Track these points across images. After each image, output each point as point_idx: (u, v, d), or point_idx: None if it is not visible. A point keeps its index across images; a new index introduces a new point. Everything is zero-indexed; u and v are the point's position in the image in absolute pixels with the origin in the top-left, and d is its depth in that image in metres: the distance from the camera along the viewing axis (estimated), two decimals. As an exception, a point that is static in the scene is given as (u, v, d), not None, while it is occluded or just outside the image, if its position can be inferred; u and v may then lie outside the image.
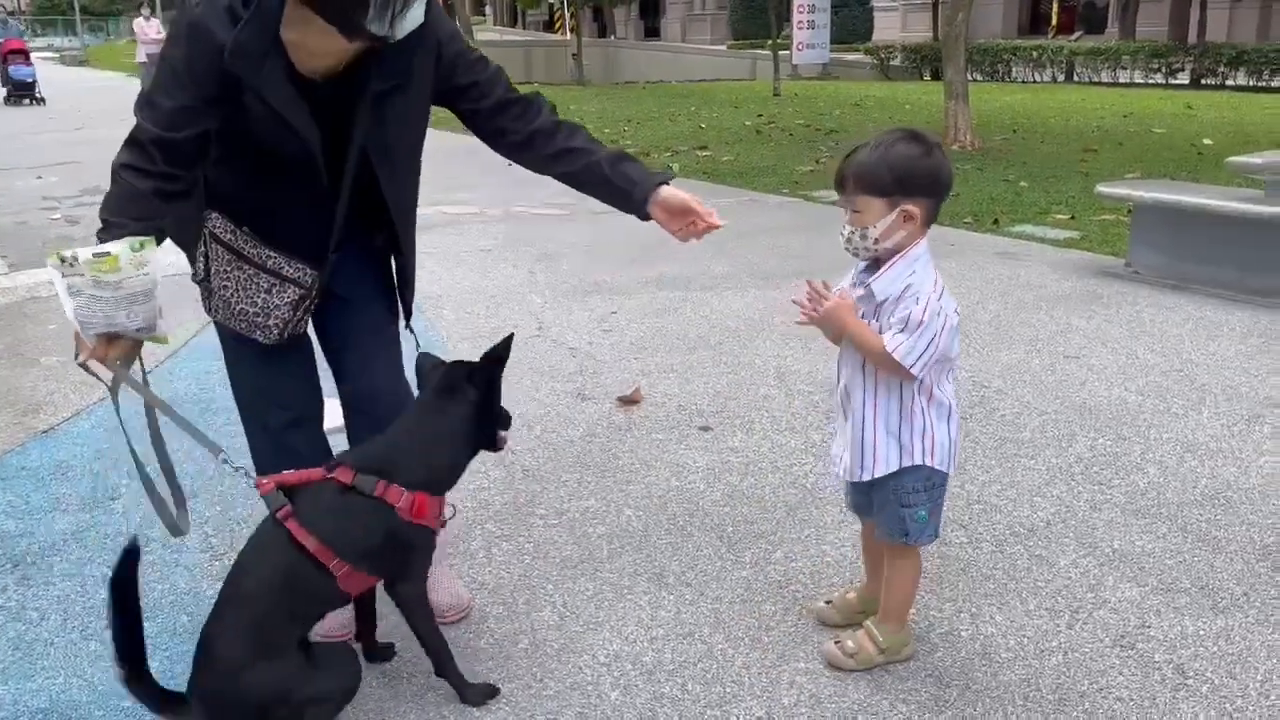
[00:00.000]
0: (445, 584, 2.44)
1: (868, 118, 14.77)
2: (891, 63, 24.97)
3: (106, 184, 1.99)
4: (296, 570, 1.97)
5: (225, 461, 2.08)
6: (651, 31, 42.19)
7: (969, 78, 11.55)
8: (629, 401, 3.84)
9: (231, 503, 3.07)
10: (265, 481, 2.03)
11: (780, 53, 20.68)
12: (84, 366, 2.02)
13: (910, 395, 2.08)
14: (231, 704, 1.89)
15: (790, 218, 7.65)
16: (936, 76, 22.85)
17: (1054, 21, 30.31)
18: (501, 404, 2.20)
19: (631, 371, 4.19)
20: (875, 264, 2.08)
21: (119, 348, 2.00)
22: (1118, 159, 9.76)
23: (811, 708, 2.11)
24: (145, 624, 2.43)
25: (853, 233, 2.05)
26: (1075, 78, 21.51)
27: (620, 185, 2.23)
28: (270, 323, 2.22)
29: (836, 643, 2.26)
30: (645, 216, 2.26)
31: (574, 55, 27.57)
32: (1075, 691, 2.14)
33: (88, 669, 2.31)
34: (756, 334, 4.67)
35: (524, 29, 45.36)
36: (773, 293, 5.38)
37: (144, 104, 1.98)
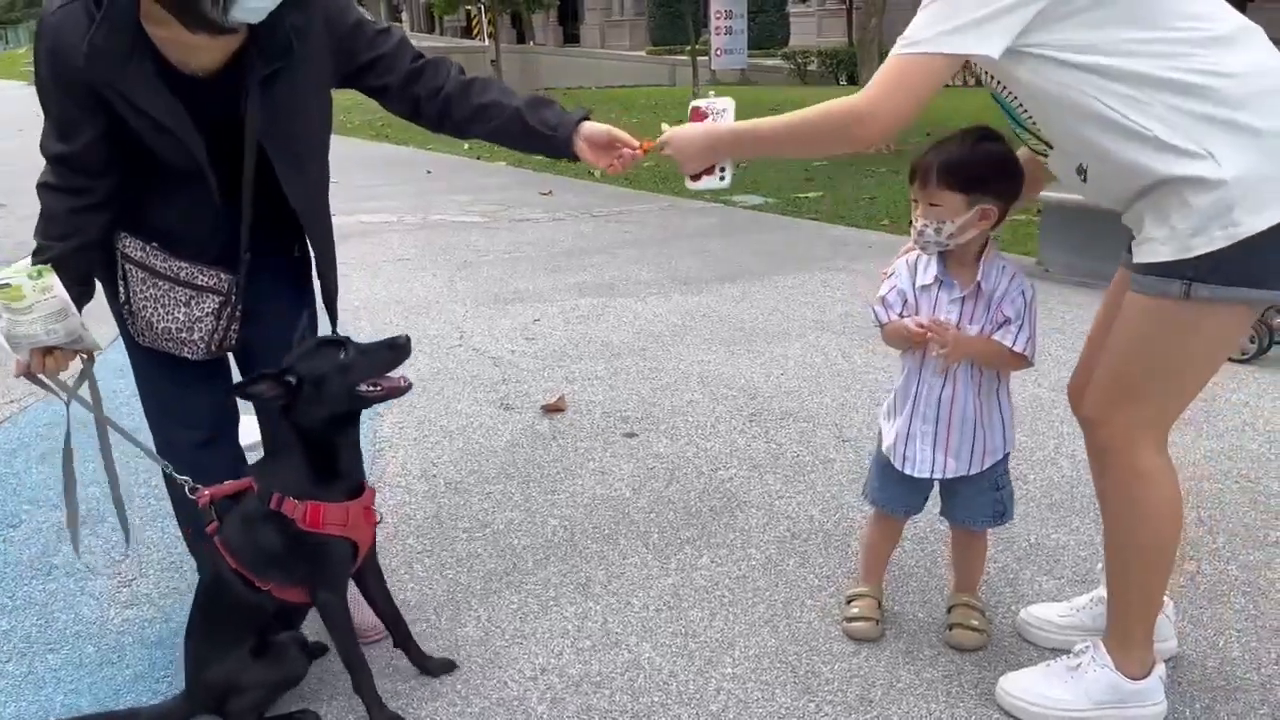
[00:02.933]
0: (357, 606, 2.38)
1: (786, 122, 14.94)
2: (808, 67, 25.33)
3: (-3, 198, 1.95)
4: (229, 587, 2.04)
5: (169, 473, 2.13)
6: (570, 37, 42.10)
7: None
8: (553, 410, 3.81)
9: (140, 527, 2.96)
10: (203, 494, 2.06)
11: (699, 58, 20.82)
12: (31, 379, 2.02)
13: (1004, 387, 2.21)
14: (201, 690, 2.07)
15: (712, 223, 7.69)
16: (852, 81, 23.21)
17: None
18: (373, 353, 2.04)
19: (555, 379, 4.16)
20: (944, 258, 2.13)
21: (55, 360, 2.00)
22: (1027, 160, 10.01)
23: (739, 713, 2.11)
24: (49, 656, 2.36)
25: (926, 225, 2.07)
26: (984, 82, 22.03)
27: (542, 131, 2.18)
28: (195, 337, 2.16)
29: (962, 627, 2.29)
30: (573, 157, 2.20)
31: (493, 62, 27.40)
32: (997, 685, 2.17)
33: (-13, 706, 2.20)
34: (679, 340, 4.68)
35: (441, 35, 44.88)
36: (695, 298, 5.40)
37: (46, 119, 1.95)
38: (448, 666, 2.27)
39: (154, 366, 2.25)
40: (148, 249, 2.09)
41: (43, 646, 2.41)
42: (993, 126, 2.13)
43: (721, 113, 2.08)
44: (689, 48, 21.42)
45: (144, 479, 3.15)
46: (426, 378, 4.14)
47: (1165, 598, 2.14)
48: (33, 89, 2.01)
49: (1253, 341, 4.05)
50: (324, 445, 2.02)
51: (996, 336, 2.12)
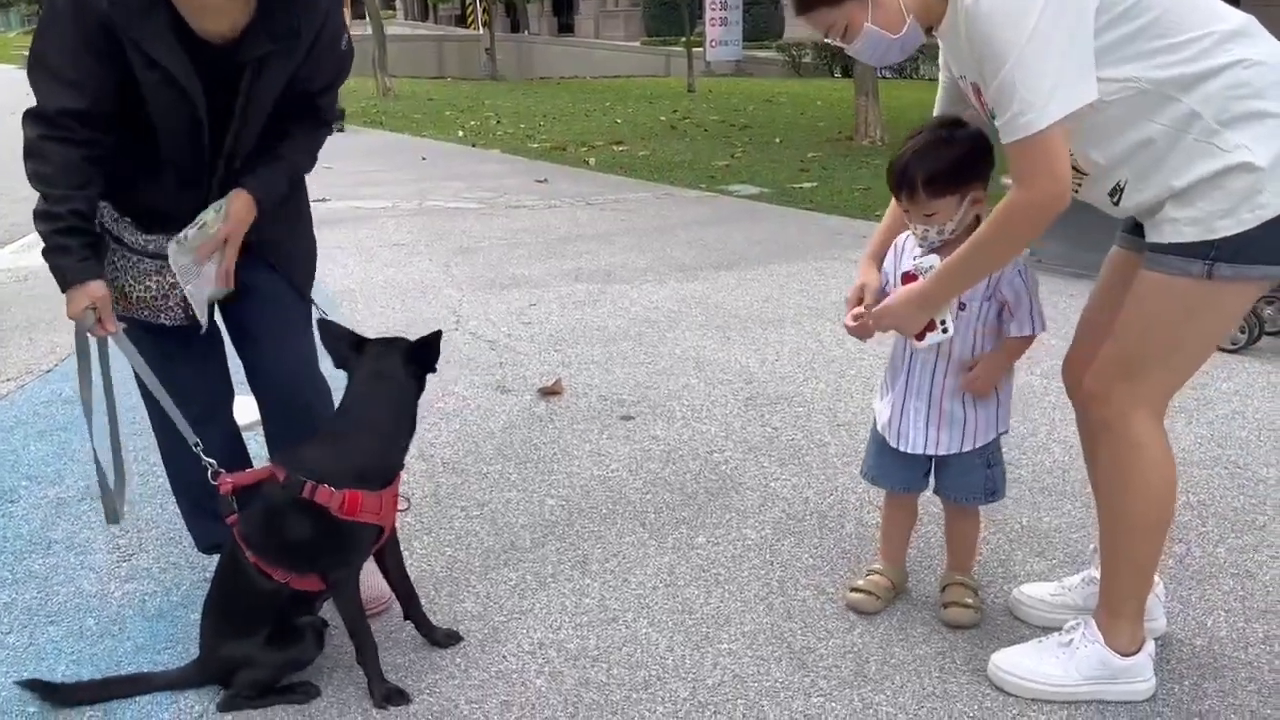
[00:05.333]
0: (365, 578, 2.41)
1: (780, 114, 14.98)
2: (803, 60, 25.32)
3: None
4: (246, 577, 2.07)
5: (197, 447, 2.15)
6: (565, 28, 41.98)
7: (879, 74, 11.79)
8: (550, 393, 3.83)
9: (139, 503, 2.97)
10: (225, 480, 2.10)
11: (694, 49, 20.82)
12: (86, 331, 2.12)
13: (1010, 369, 2.24)
14: (214, 664, 2.12)
15: (707, 212, 7.71)
16: (847, 74, 23.19)
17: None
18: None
19: (552, 363, 4.18)
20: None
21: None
22: (1021, 154, 10.03)
23: (735, 686, 2.14)
24: (50, 628, 2.37)
25: (927, 230, 2.11)
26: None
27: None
28: (171, 304, 2.19)
29: (957, 605, 2.33)
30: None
31: (487, 50, 27.36)
32: (987, 662, 2.20)
33: (-11, 676, 2.22)
34: (675, 325, 4.70)
35: (435, 23, 44.66)
36: (691, 285, 5.42)
37: (39, 75, 1.95)
38: (453, 638, 2.30)
39: (142, 341, 2.26)
40: (121, 221, 2.13)
41: (43, 619, 2.42)
42: (952, 115, 2.14)
43: (929, 270, 2.08)
44: (684, 39, 21.39)
45: (140, 455, 3.16)
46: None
47: (1155, 578, 2.18)
48: (23, 73, 2.02)
49: (1243, 332, 4.09)
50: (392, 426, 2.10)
51: (1011, 331, 2.16)
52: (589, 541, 2.74)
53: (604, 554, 2.68)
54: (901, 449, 2.27)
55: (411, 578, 2.52)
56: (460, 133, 13.18)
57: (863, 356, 4.16)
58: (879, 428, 2.33)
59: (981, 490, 2.30)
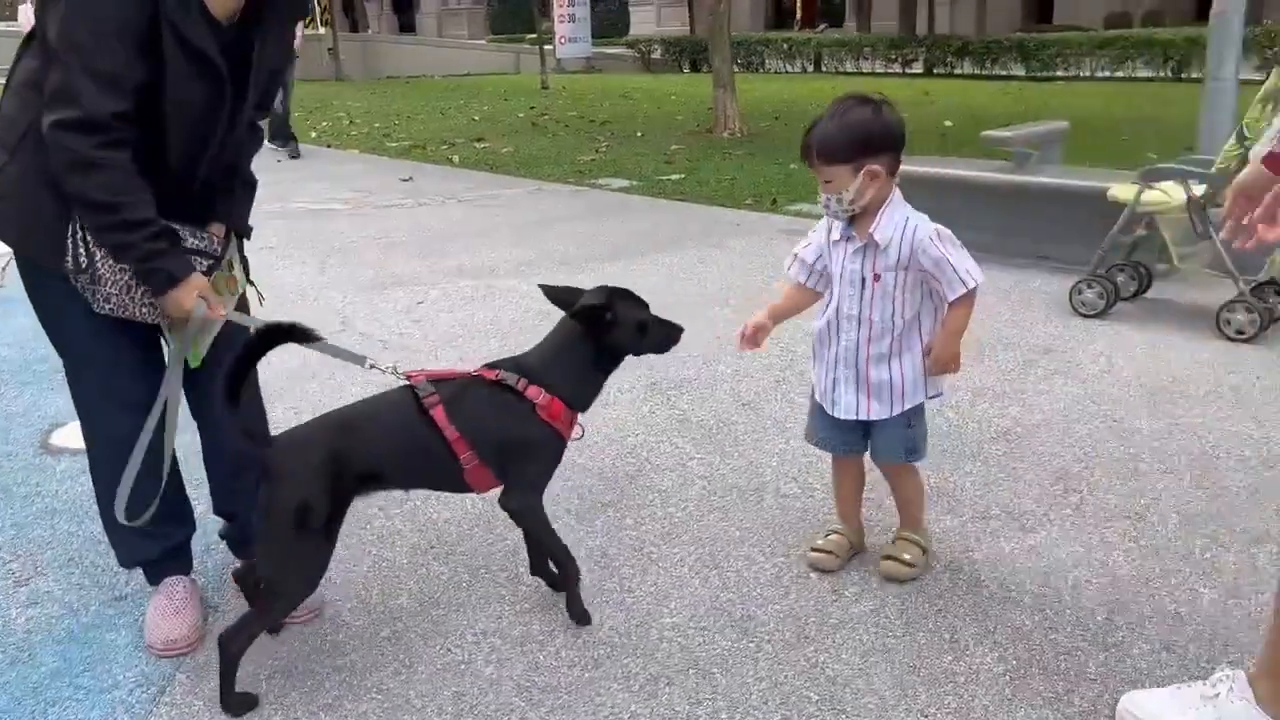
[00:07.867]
0: None
1: (637, 108, 15.10)
2: (653, 56, 25.62)
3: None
4: (428, 446, 2.11)
5: (373, 367, 2.17)
6: (406, 26, 41.18)
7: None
8: (451, 388, 3.78)
9: (26, 525, 2.80)
10: (416, 375, 2.14)
11: (544, 46, 20.77)
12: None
13: (922, 332, 2.31)
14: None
15: (581, 205, 7.73)
16: (695, 69, 23.62)
17: (799, 15, 32.06)
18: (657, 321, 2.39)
19: (449, 360, 4.12)
20: (851, 219, 2.25)
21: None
22: (873, 141, 10.42)
23: (684, 657, 2.18)
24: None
25: (829, 199, 2.22)
26: (823, 68, 22.83)
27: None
28: (139, 301, 2.07)
29: (892, 559, 2.43)
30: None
31: (330, 50, 26.57)
32: (919, 614, 2.31)
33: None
34: (567, 316, 4.69)
35: (271, 23, 43.09)
36: (579, 277, 5.42)
37: (79, 74, 1.81)
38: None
39: (100, 344, 2.15)
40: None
41: (-59, 652, 2.26)
42: (865, 93, 2.25)
43: None
44: (534, 35, 21.31)
45: (22, 477, 2.97)
46: (314, 364, 4.02)
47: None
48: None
49: (1254, 324, 4.03)
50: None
51: (948, 297, 2.22)
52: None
53: (533, 542, 2.67)
54: (836, 416, 2.36)
55: (338, 580, 2.48)
56: (313, 134, 12.75)
57: (756, 338, 4.27)
58: (816, 396, 2.41)
59: (902, 449, 2.40)
